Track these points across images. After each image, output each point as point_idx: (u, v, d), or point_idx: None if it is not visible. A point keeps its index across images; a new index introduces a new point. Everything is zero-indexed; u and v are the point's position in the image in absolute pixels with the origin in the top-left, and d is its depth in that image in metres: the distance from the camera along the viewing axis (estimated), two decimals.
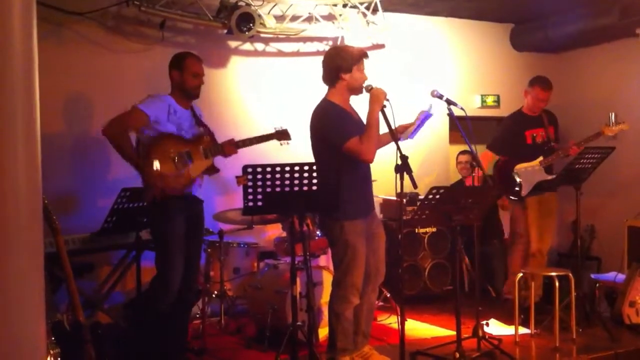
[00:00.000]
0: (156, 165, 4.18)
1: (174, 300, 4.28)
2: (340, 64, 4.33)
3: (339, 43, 6.56)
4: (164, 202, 4.23)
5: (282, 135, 4.75)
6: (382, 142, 4.45)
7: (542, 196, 5.89)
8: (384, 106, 4.23)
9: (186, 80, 4.42)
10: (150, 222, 4.48)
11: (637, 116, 7.01)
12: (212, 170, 4.58)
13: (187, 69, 4.42)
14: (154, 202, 4.24)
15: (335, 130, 4.25)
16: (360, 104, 4.51)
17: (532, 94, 5.94)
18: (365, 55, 4.41)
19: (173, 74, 4.42)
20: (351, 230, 4.29)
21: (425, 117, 4.59)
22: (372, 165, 4.57)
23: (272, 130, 4.76)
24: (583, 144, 5.69)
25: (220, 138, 5.61)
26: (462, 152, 7.07)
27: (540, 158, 5.80)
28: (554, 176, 5.79)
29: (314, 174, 3.94)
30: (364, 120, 4.34)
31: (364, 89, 4.36)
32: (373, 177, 5.57)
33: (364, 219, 4.41)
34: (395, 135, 4.16)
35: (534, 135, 5.92)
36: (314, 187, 3.96)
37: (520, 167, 5.83)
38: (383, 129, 4.27)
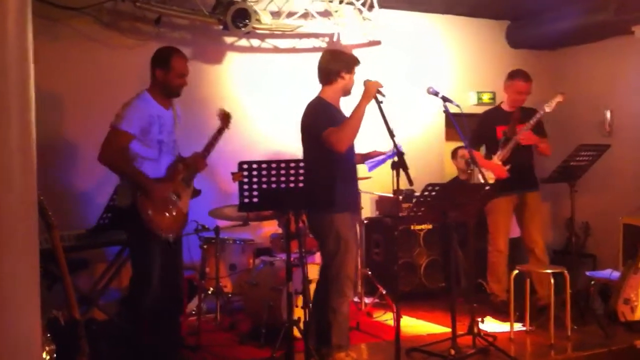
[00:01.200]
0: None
1: (168, 299, 4.28)
2: (342, 65, 4.43)
3: (334, 39, 6.56)
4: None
5: (225, 117, 4.66)
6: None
7: (514, 195, 5.79)
8: (381, 101, 4.26)
9: (171, 80, 4.25)
10: (127, 223, 4.31)
11: (632, 113, 7.04)
12: (195, 194, 4.54)
13: (173, 69, 4.24)
14: (132, 205, 4.14)
15: (318, 121, 4.30)
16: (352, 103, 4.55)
17: (512, 88, 5.86)
18: (359, 62, 4.54)
19: (157, 72, 4.24)
20: (342, 223, 4.32)
21: (392, 154, 4.63)
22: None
23: (219, 122, 4.67)
24: (529, 127, 5.66)
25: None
26: (461, 147, 6.94)
27: (498, 153, 5.74)
28: (508, 167, 5.68)
29: (309, 170, 3.95)
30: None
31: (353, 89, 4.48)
32: (369, 174, 5.59)
33: (352, 213, 4.44)
34: (392, 130, 4.18)
35: (505, 131, 5.81)
36: (309, 183, 3.97)
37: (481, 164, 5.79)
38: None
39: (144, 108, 4.18)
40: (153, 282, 4.16)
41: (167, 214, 4.22)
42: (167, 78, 4.24)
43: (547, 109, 5.67)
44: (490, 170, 5.62)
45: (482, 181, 5.26)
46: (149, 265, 4.17)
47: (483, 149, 6.02)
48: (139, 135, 4.13)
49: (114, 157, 4.10)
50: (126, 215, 4.22)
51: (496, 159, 5.72)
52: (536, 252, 5.84)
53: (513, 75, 5.92)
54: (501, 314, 5.63)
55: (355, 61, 4.49)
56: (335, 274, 4.37)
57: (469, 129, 5.22)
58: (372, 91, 4.28)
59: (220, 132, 4.61)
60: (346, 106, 4.54)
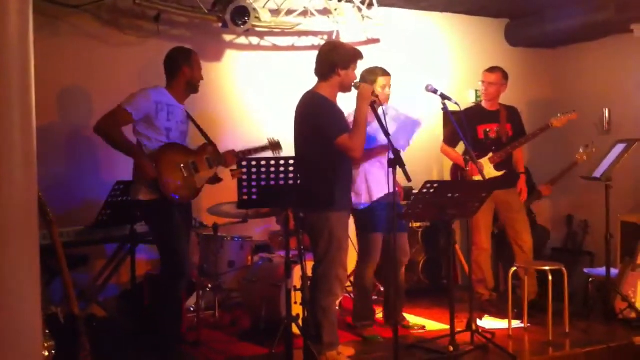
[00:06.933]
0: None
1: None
2: (339, 60, 4.37)
3: (334, 37, 6.56)
4: (162, 199, 4.30)
5: (275, 146, 4.95)
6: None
7: (496, 194, 5.59)
8: (374, 102, 4.27)
9: (196, 75, 4.54)
10: (150, 218, 4.50)
11: (631, 111, 7.06)
12: (215, 180, 4.68)
13: (196, 64, 4.55)
14: (153, 201, 4.30)
15: (329, 123, 4.28)
16: (347, 101, 4.54)
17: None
18: (362, 56, 4.48)
19: (185, 69, 4.48)
20: (337, 222, 4.32)
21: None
22: None
23: (266, 140, 4.94)
24: (531, 138, 5.74)
25: (216, 132, 5.65)
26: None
27: (490, 154, 5.73)
28: (503, 172, 5.71)
29: (307, 167, 3.97)
30: (348, 117, 4.41)
31: (352, 87, 4.45)
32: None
33: (347, 212, 4.45)
34: (387, 130, 4.19)
35: (487, 130, 5.82)
36: (308, 180, 3.98)
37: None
38: None
39: (153, 95, 4.38)
40: (185, 268, 4.40)
41: (178, 178, 4.36)
42: (194, 73, 4.53)
43: (556, 124, 5.66)
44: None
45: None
46: (181, 255, 4.35)
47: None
48: (140, 120, 4.32)
49: (108, 129, 4.27)
50: (149, 209, 4.38)
51: (488, 160, 5.71)
52: (525, 249, 5.79)
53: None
54: (486, 313, 5.65)
55: (354, 56, 4.44)
56: (326, 273, 4.38)
57: (466, 127, 5.23)
58: (367, 94, 4.28)
59: (264, 148, 4.88)
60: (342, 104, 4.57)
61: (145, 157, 4.29)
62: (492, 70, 5.92)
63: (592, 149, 5.84)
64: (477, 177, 5.51)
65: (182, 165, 4.38)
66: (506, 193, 5.78)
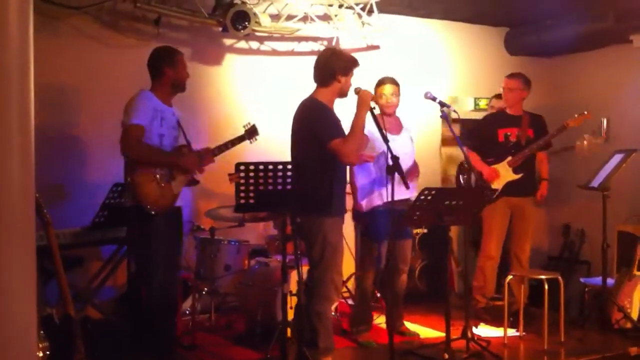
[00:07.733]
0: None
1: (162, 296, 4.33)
2: (340, 66, 4.38)
3: (334, 43, 6.57)
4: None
5: (252, 133, 4.82)
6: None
7: (509, 200, 5.70)
8: (373, 108, 4.28)
9: (180, 75, 4.45)
10: (131, 224, 4.45)
11: (629, 121, 7.07)
12: (192, 182, 4.63)
13: (181, 64, 4.47)
14: (134, 207, 4.24)
15: (324, 127, 4.29)
16: (344, 107, 4.55)
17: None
18: (358, 64, 4.51)
19: (167, 71, 4.40)
20: (331, 227, 4.33)
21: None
22: None
23: (242, 130, 4.81)
24: (548, 139, 5.74)
25: (215, 135, 5.65)
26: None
27: (509, 158, 5.72)
28: (520, 176, 5.70)
29: (303, 172, 3.97)
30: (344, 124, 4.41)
31: (348, 93, 4.46)
32: None
33: (342, 217, 4.46)
34: (386, 136, 4.20)
35: (508, 134, 5.81)
36: (305, 186, 3.99)
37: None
38: None
39: (147, 101, 4.34)
40: (157, 278, 4.27)
41: (155, 188, 4.28)
42: (177, 73, 4.45)
43: (572, 124, 5.68)
44: (482, 173, 5.67)
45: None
46: (152, 263, 4.27)
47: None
48: (147, 126, 4.26)
49: (137, 151, 4.22)
50: (129, 213, 4.31)
51: (506, 163, 5.72)
52: (522, 259, 5.79)
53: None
54: (481, 321, 5.65)
55: (353, 63, 4.45)
56: (320, 278, 4.37)
57: (466, 134, 5.24)
58: (367, 100, 4.29)
59: (239, 139, 4.75)
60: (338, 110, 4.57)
61: (180, 156, 4.36)
62: (511, 76, 5.94)
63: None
64: (495, 184, 5.57)
65: (157, 174, 4.31)
66: (523, 200, 5.80)
